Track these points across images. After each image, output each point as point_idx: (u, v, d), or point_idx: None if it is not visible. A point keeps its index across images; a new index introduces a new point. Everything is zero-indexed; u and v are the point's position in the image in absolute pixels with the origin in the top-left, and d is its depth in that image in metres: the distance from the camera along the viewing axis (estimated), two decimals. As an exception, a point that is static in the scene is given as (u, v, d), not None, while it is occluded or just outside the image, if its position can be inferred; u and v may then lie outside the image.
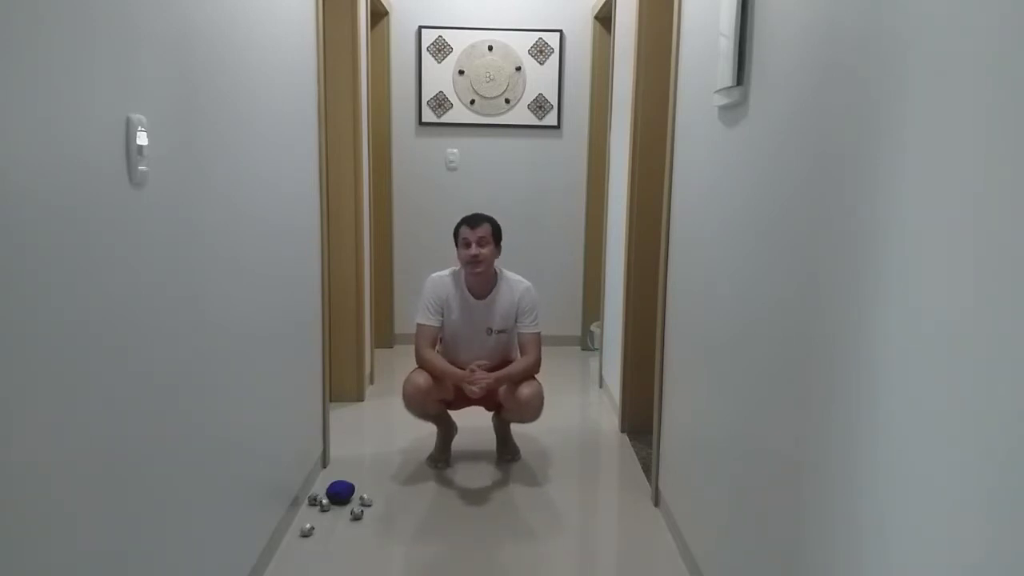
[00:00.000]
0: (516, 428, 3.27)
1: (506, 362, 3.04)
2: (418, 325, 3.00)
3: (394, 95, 4.75)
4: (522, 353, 3.02)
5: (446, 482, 3.03)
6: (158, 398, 1.54)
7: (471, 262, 2.92)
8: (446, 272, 3.07)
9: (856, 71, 1.33)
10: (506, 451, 3.23)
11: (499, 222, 3.04)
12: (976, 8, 1.01)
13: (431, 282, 3.04)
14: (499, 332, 3.03)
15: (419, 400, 2.95)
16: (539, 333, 3.02)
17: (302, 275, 2.72)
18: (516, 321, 3.03)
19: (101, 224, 1.30)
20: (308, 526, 2.55)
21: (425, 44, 4.75)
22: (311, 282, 2.86)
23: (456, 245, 2.99)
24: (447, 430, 3.20)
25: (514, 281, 3.06)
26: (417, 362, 2.98)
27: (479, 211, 3.05)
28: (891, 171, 1.20)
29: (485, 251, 2.93)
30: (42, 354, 1.14)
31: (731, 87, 1.95)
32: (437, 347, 3.08)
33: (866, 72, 1.29)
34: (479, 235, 2.92)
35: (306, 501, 2.76)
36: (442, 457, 3.17)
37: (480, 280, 3.00)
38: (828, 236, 1.42)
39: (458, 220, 3.01)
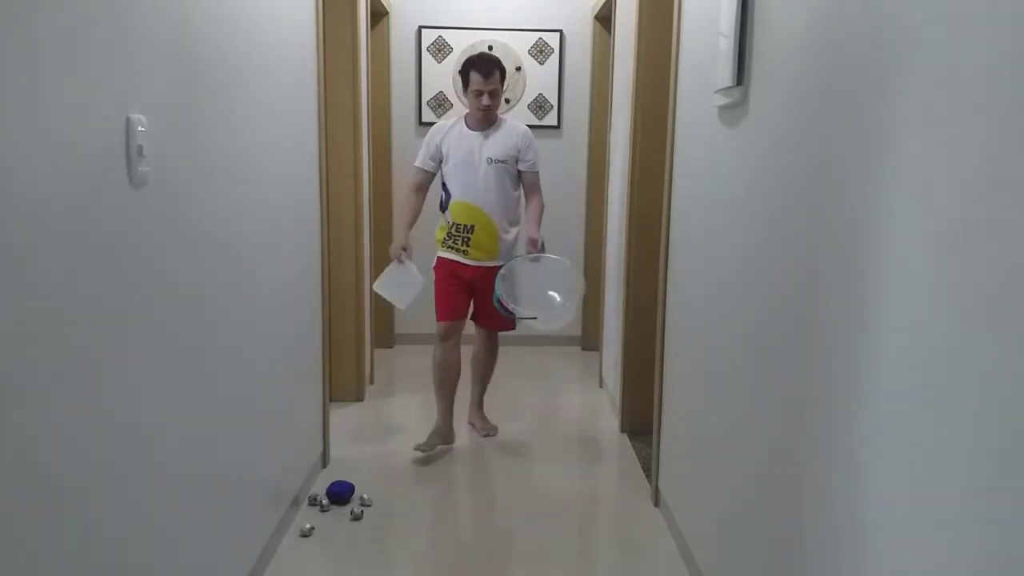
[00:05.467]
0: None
1: (504, 201, 3.22)
2: (415, 167, 3.31)
3: (394, 95, 4.75)
4: (528, 192, 3.29)
5: (446, 482, 3.03)
6: (158, 398, 1.54)
7: (482, 109, 3.12)
8: (451, 120, 3.27)
9: (856, 71, 1.33)
10: (482, 425, 3.49)
11: None
12: (977, 7, 1.01)
13: (431, 130, 3.28)
14: (498, 162, 3.17)
15: (443, 370, 3.28)
16: (538, 173, 3.28)
17: (302, 275, 2.72)
18: (518, 160, 3.20)
19: (101, 224, 1.30)
20: (308, 526, 2.54)
21: (425, 44, 4.75)
22: (311, 282, 2.86)
23: (464, 84, 3.15)
24: (446, 420, 3.30)
25: (515, 123, 3.29)
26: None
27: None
28: (891, 171, 1.20)
29: (495, 102, 3.13)
30: (42, 354, 1.14)
31: (731, 87, 1.95)
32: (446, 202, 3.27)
33: (866, 72, 1.29)
34: (491, 87, 3.09)
35: (306, 501, 2.76)
36: (428, 442, 3.19)
37: (483, 117, 3.17)
38: (828, 235, 1.42)
39: (466, 61, 3.16)
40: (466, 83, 3.14)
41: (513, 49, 4.78)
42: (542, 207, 3.27)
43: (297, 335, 2.67)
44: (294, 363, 2.64)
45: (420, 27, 4.74)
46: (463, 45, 4.75)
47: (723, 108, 2.07)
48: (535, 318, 2.95)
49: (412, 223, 3.29)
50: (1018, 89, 0.92)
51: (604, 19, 4.53)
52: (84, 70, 1.24)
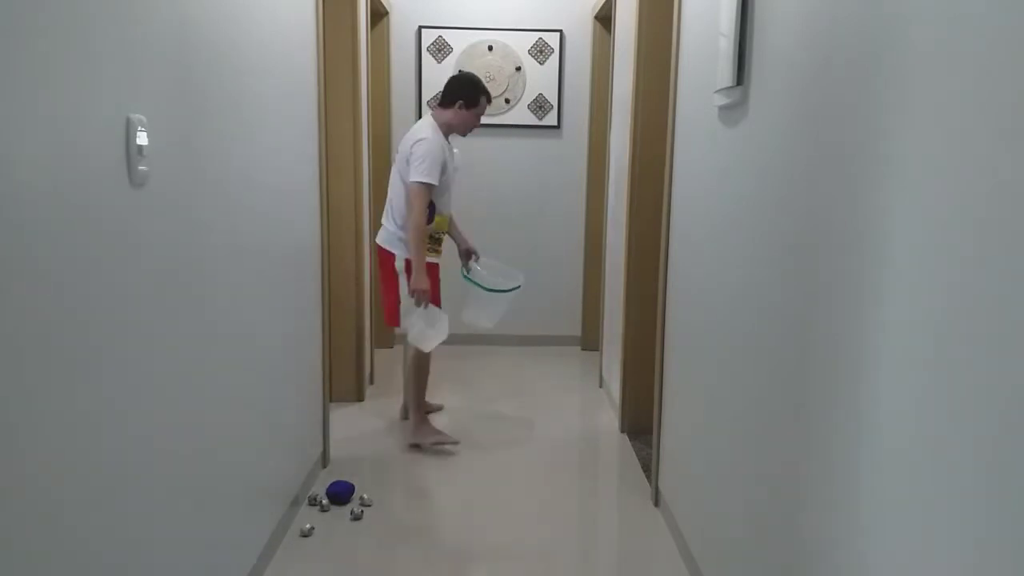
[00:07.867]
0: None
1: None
2: (426, 185, 3.11)
3: (394, 95, 4.75)
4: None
5: (446, 482, 3.03)
6: (158, 398, 1.54)
7: (471, 129, 3.33)
8: (430, 132, 3.20)
9: (856, 70, 1.33)
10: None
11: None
12: (977, 7, 1.01)
13: (435, 145, 3.16)
14: (457, 170, 3.45)
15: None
16: None
17: (302, 275, 2.72)
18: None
19: (101, 224, 1.30)
20: (308, 526, 2.55)
21: (425, 44, 4.75)
22: (311, 282, 2.86)
23: (468, 104, 3.25)
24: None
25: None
26: (413, 223, 3.10)
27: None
28: (892, 170, 1.20)
29: None
30: (42, 353, 1.14)
31: (731, 87, 1.95)
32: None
33: (866, 71, 1.29)
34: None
35: (306, 501, 2.76)
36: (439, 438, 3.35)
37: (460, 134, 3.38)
38: (828, 236, 1.42)
39: (479, 87, 3.28)
40: (473, 103, 3.25)
41: (513, 49, 4.78)
42: None
43: (297, 335, 2.67)
44: (294, 363, 2.64)
45: (420, 27, 4.74)
46: (463, 45, 4.75)
47: (723, 108, 2.07)
48: (519, 286, 3.47)
49: None
50: (1019, 88, 0.92)
51: (604, 19, 4.53)
52: (84, 70, 1.24)
